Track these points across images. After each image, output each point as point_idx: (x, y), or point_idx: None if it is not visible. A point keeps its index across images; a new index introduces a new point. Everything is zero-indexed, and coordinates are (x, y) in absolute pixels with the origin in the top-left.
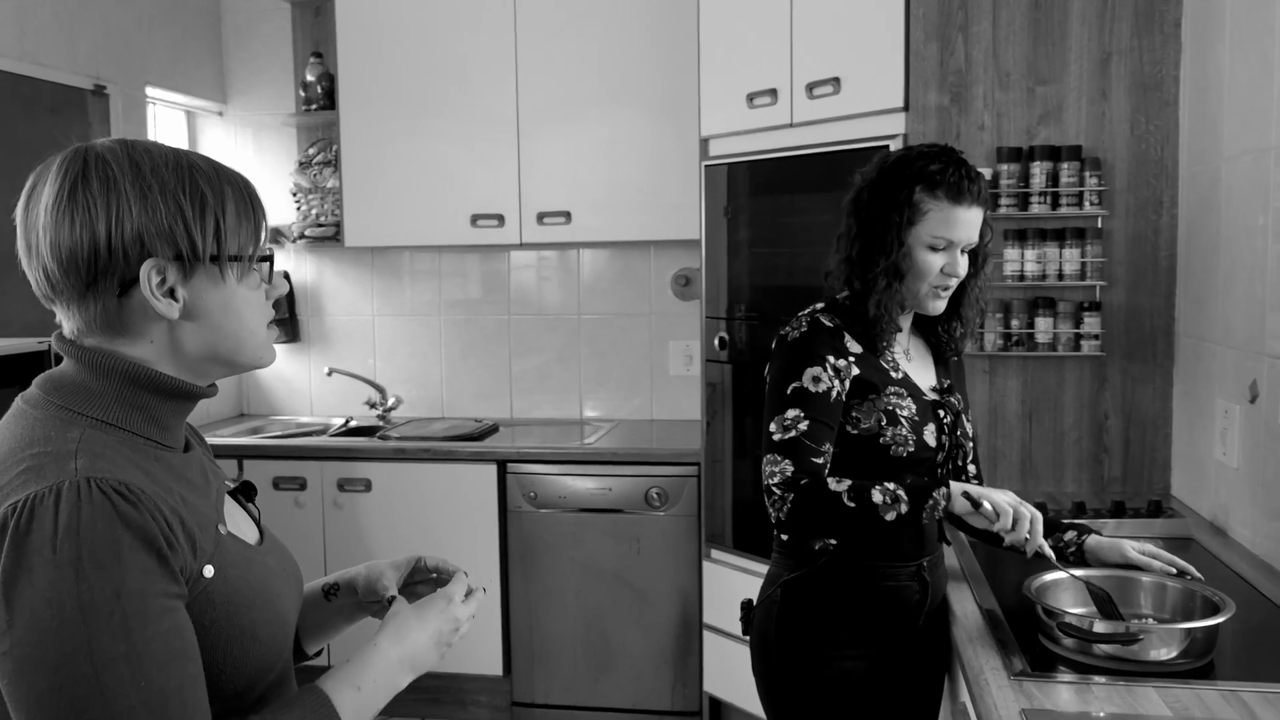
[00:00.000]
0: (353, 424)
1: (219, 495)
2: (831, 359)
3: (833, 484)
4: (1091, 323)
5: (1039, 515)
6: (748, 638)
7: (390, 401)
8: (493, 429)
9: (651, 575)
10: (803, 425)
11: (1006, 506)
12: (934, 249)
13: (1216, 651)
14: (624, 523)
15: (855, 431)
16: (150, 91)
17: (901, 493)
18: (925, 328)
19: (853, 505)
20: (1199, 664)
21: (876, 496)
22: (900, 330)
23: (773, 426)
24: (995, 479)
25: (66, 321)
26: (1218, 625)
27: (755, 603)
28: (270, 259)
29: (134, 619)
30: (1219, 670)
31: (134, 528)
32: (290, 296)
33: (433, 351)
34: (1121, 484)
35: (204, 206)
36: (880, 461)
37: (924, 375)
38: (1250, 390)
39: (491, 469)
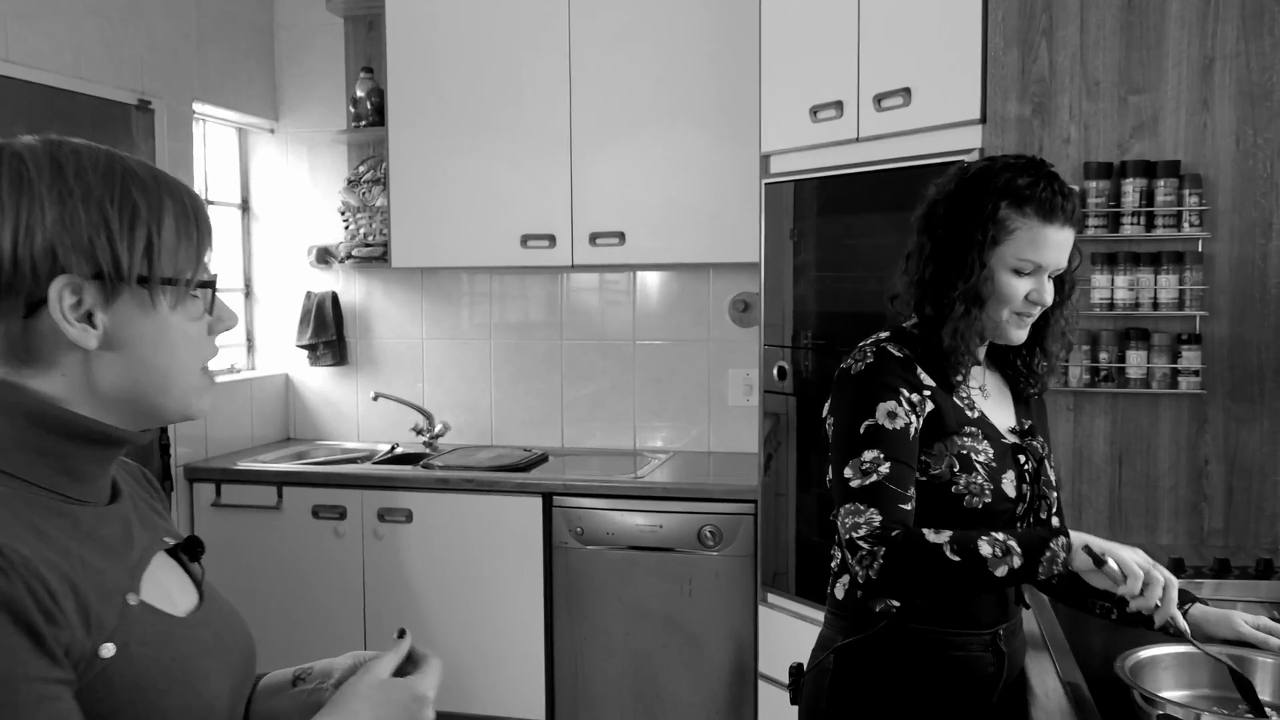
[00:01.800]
0: (398, 450)
1: (144, 556)
2: (905, 392)
3: (931, 535)
4: (1190, 357)
5: (1174, 581)
6: (796, 707)
7: (438, 428)
8: (541, 459)
9: (704, 619)
10: (884, 468)
11: (1136, 568)
12: (1019, 272)
13: None
14: (675, 562)
15: (924, 478)
16: (198, 108)
17: (1014, 544)
18: (1001, 361)
19: (958, 560)
20: None
21: (985, 549)
22: (978, 363)
23: (848, 472)
24: (1080, 527)
25: None
26: None
27: (805, 669)
28: (213, 284)
29: (2, 711)
30: None
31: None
32: (337, 317)
33: (482, 376)
34: (1223, 537)
35: (135, 219)
36: (951, 513)
37: (1002, 415)
38: None
39: (537, 502)
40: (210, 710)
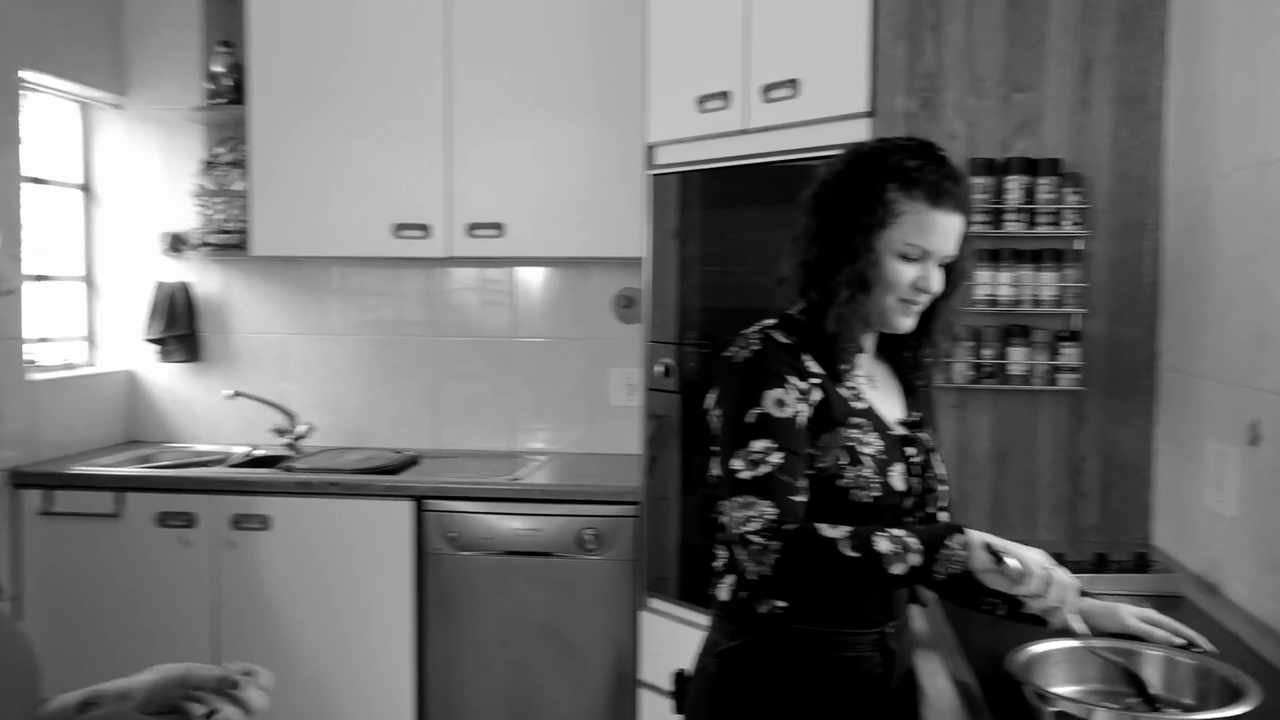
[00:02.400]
0: (256, 453)
1: None
2: (793, 379)
3: (827, 530)
4: (1070, 354)
5: (1075, 582)
6: (681, 716)
7: (301, 429)
8: (413, 461)
9: (584, 626)
10: (775, 458)
11: (1037, 568)
12: (906, 258)
13: None
14: (554, 567)
15: (811, 471)
16: (30, 76)
17: (913, 541)
18: (891, 352)
19: (855, 556)
20: None
21: (883, 546)
22: (862, 351)
23: (737, 463)
24: (963, 523)
25: None
26: (1245, 715)
27: (689, 674)
28: None
29: None
30: None
31: None
32: (190, 310)
33: (351, 375)
34: (1099, 532)
35: None
36: (839, 506)
37: (891, 407)
38: (1250, 431)
39: (407, 506)
40: None
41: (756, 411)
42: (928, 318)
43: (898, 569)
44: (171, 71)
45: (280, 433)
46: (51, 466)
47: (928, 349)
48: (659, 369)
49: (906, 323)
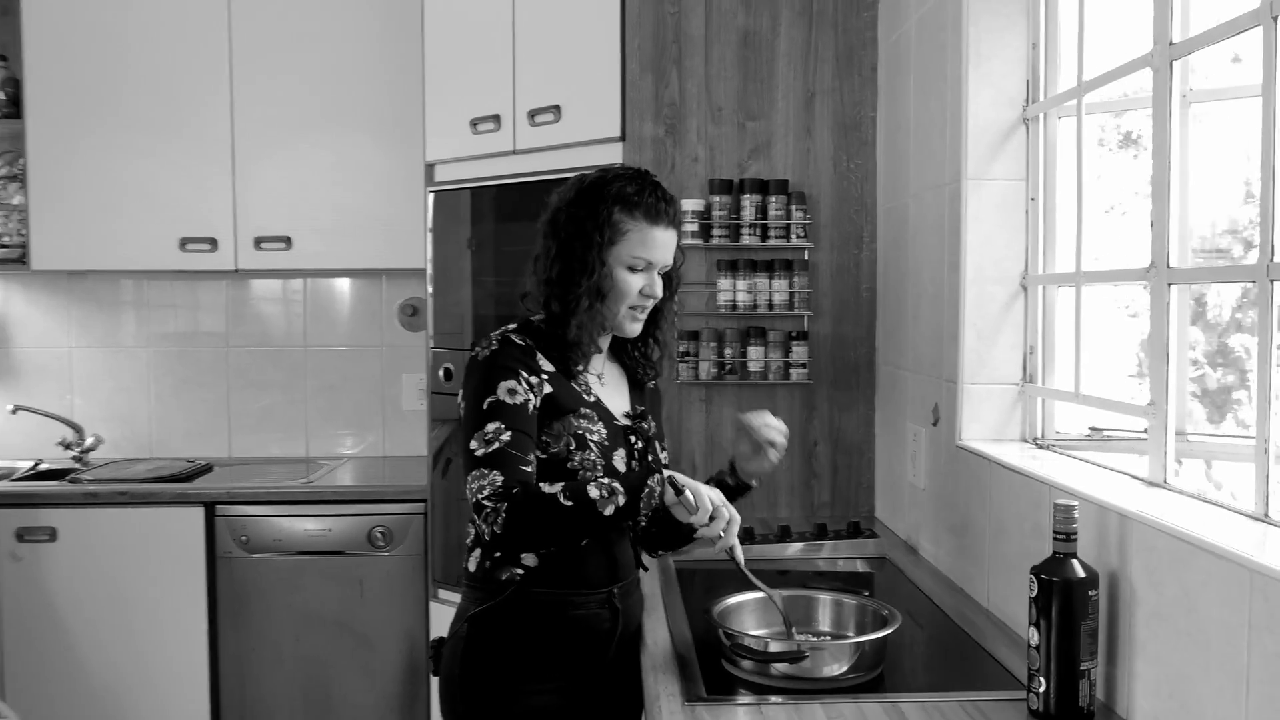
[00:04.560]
0: (42, 467)
1: None
2: (524, 374)
3: (546, 487)
4: (799, 352)
5: (738, 518)
6: (436, 678)
7: (88, 441)
8: (205, 469)
9: (376, 619)
10: (505, 436)
11: (708, 501)
12: (633, 269)
13: (889, 665)
14: (346, 565)
15: (544, 455)
16: None
17: (618, 485)
18: (619, 352)
19: (570, 504)
20: (869, 677)
21: (593, 492)
22: (600, 352)
23: (473, 443)
24: None
25: None
26: (884, 638)
27: (444, 639)
28: None
29: None
30: (889, 683)
31: None
32: None
33: (140, 387)
34: (830, 508)
35: None
36: None
37: (617, 400)
38: (932, 414)
39: (198, 512)
40: None
41: (491, 399)
42: (652, 320)
43: (608, 510)
44: None
45: (67, 446)
46: None
47: (653, 347)
48: (441, 373)
49: (635, 327)
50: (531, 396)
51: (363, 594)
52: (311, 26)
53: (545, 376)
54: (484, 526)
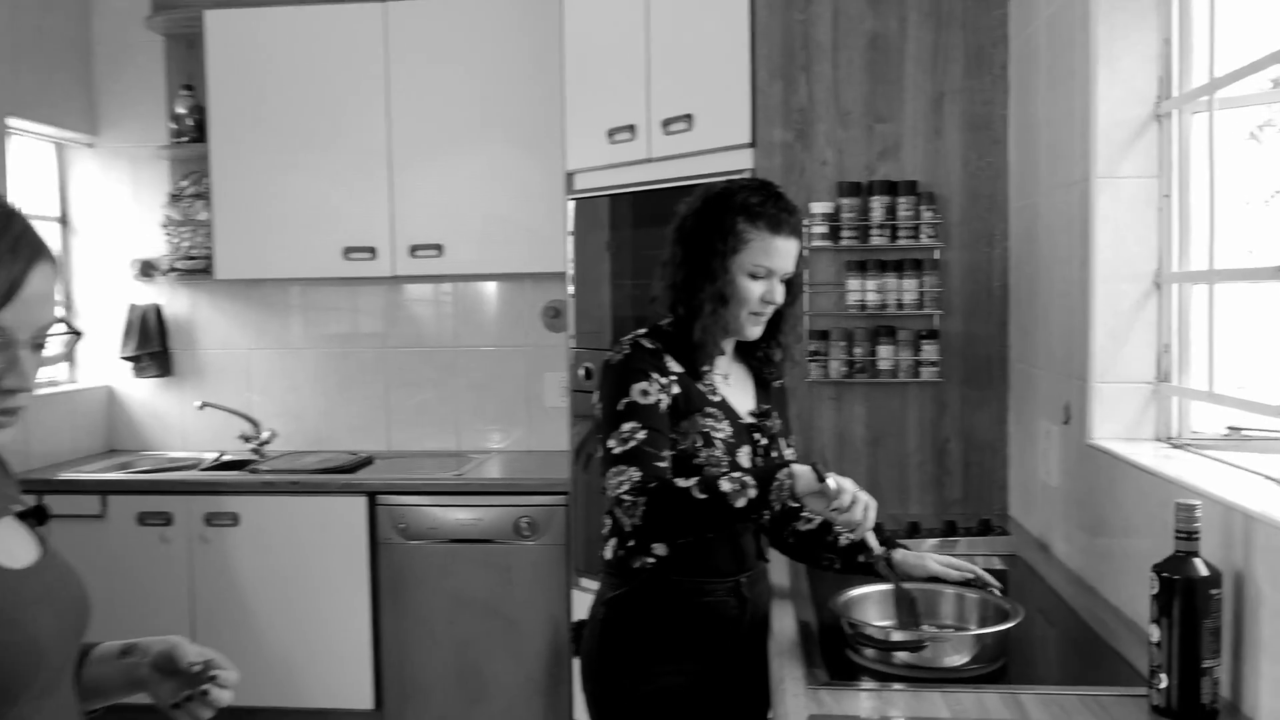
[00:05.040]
0: (225, 458)
1: None
2: (655, 375)
3: (681, 481)
4: (929, 350)
5: (875, 504)
6: (578, 658)
7: (265, 435)
8: (367, 461)
9: (522, 605)
10: (641, 435)
11: (848, 485)
12: (754, 276)
13: (1012, 658)
14: (494, 553)
15: (673, 452)
16: (10, 122)
17: (749, 478)
18: (746, 353)
19: (704, 497)
20: (990, 669)
21: (725, 485)
22: (723, 354)
23: (611, 442)
24: None
25: None
26: (1005, 631)
27: (584, 622)
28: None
29: None
30: (1011, 675)
31: None
32: (161, 329)
33: (309, 385)
34: (962, 505)
35: None
36: None
37: (743, 399)
38: (1064, 412)
39: (361, 501)
40: (33, 647)
41: (626, 400)
42: (775, 324)
43: (740, 502)
44: (139, 112)
45: (246, 439)
46: (42, 474)
47: (776, 349)
48: (581, 372)
49: (755, 331)
50: (662, 397)
51: (510, 580)
52: (461, 46)
53: (673, 377)
54: (624, 519)
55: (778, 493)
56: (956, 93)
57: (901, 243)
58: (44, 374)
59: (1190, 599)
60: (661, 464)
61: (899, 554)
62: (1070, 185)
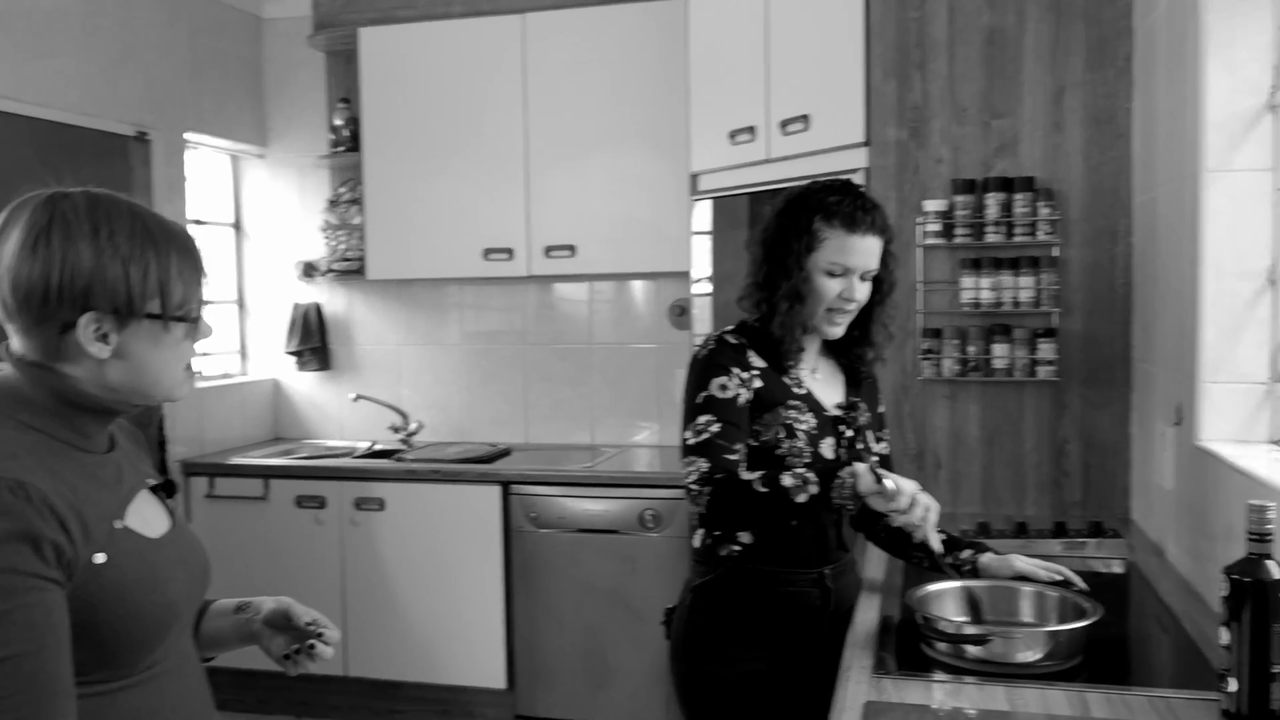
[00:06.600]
0: (376, 447)
1: (130, 492)
2: (736, 370)
3: (744, 474)
4: (1046, 349)
5: (936, 506)
6: (668, 641)
7: (413, 426)
8: (505, 453)
9: (646, 595)
10: (714, 428)
11: (907, 487)
12: (831, 274)
13: (1090, 658)
14: (620, 543)
15: (755, 443)
16: (191, 137)
17: (811, 475)
18: (837, 349)
19: (765, 490)
20: (1063, 667)
21: (787, 480)
22: (803, 350)
23: (687, 434)
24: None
25: (14, 340)
26: (1081, 629)
27: (674, 607)
28: (199, 316)
29: (1, 591)
30: (1086, 674)
31: (15, 520)
32: (321, 326)
33: (454, 379)
34: (1082, 508)
35: (147, 270)
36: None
37: (830, 393)
38: (1175, 413)
39: (496, 490)
40: (170, 605)
41: (704, 394)
42: (864, 321)
43: (801, 497)
44: (303, 124)
45: (395, 430)
46: (214, 458)
47: (867, 348)
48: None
49: (835, 330)
50: (742, 391)
51: (635, 570)
52: (593, 55)
53: (756, 372)
54: (693, 507)
55: (839, 490)
56: (1077, 86)
57: (1018, 240)
58: (219, 367)
59: (1262, 602)
60: (731, 456)
61: (985, 557)
62: (1182, 179)
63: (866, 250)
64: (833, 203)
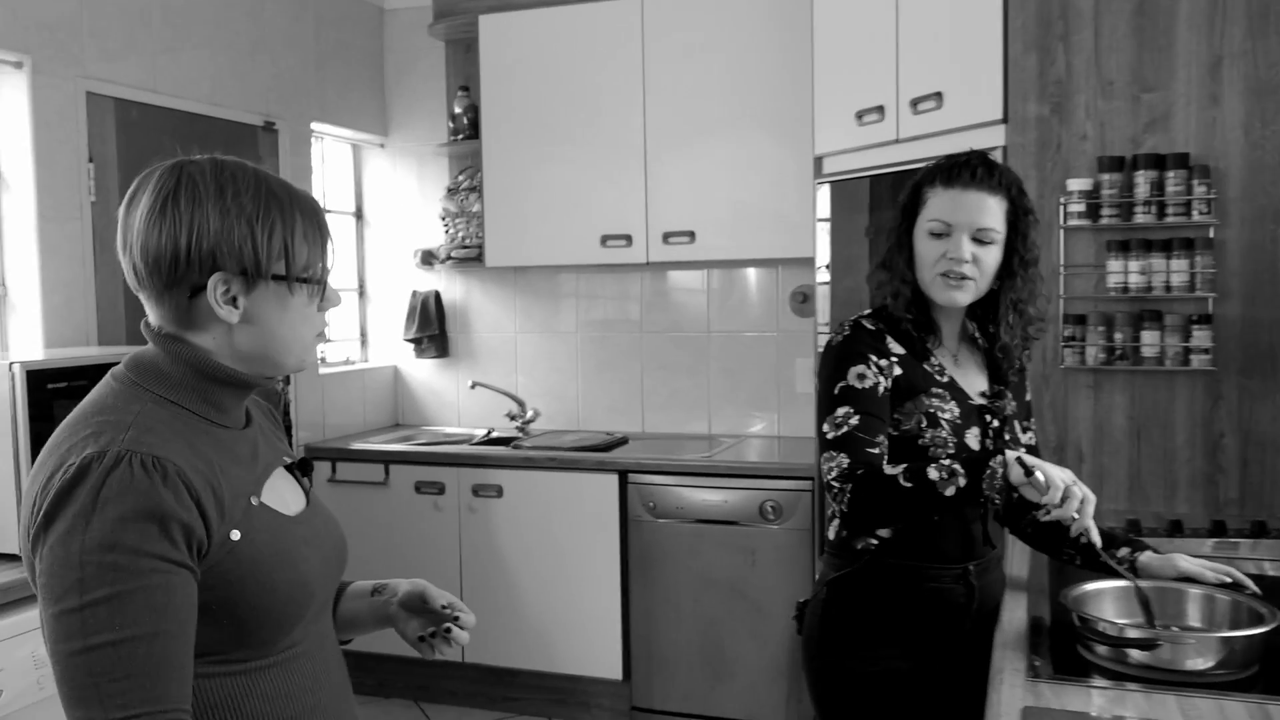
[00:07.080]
0: (493, 434)
1: (266, 470)
2: (874, 358)
3: (888, 468)
4: (1201, 336)
5: (1092, 497)
6: (800, 637)
7: (529, 414)
8: (621, 441)
9: (766, 587)
10: (854, 420)
11: (1059, 480)
12: (934, 234)
13: (1269, 666)
14: (739, 535)
15: (896, 433)
16: (317, 126)
17: (958, 467)
18: (986, 335)
19: (910, 485)
20: (1239, 676)
21: (933, 474)
22: (936, 330)
23: (825, 427)
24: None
25: (150, 311)
26: (1257, 636)
27: (807, 601)
28: (325, 281)
29: (122, 571)
30: (1265, 685)
31: (146, 497)
32: (440, 314)
33: (570, 367)
34: (1239, 506)
35: (273, 231)
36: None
37: (974, 381)
38: None
39: (613, 479)
40: (306, 584)
41: (842, 384)
42: (993, 299)
43: (948, 491)
44: (423, 113)
45: (512, 417)
46: (336, 444)
47: (1007, 329)
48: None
49: (950, 295)
50: (881, 379)
51: (754, 562)
52: (712, 36)
53: (895, 359)
54: (834, 504)
55: (990, 481)
56: (1237, 56)
57: (1170, 220)
58: (341, 353)
59: None
60: (873, 450)
61: (1145, 556)
62: None
63: (970, 206)
64: (943, 165)
